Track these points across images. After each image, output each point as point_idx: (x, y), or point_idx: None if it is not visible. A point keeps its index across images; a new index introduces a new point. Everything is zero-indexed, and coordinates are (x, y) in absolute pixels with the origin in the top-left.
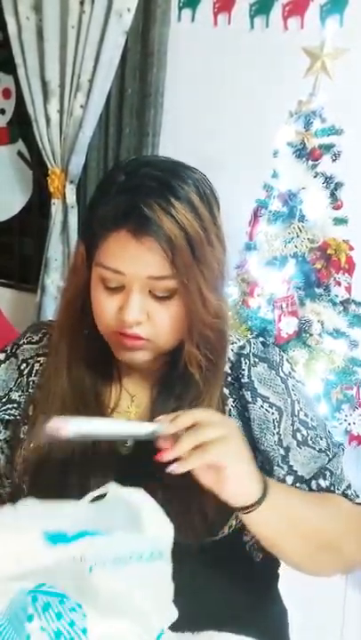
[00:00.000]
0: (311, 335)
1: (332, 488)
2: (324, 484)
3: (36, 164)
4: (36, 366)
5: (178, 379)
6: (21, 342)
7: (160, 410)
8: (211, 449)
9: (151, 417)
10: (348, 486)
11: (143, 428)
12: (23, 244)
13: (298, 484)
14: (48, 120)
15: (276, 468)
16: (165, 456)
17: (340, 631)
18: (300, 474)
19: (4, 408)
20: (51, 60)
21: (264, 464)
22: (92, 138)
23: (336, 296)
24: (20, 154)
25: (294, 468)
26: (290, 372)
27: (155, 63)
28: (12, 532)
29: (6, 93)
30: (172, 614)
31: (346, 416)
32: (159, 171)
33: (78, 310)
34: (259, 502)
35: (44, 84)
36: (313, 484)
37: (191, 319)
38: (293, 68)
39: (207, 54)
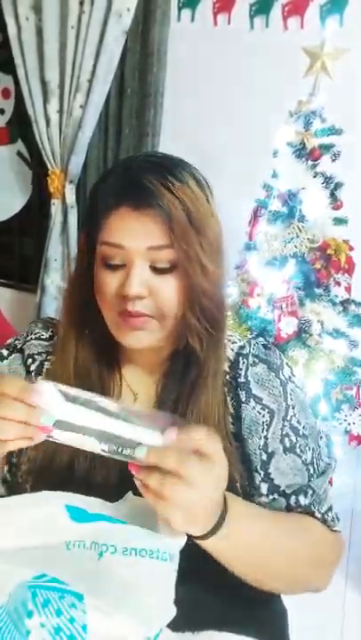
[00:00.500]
0: (311, 335)
1: (311, 508)
2: (303, 501)
3: (35, 164)
4: (46, 365)
5: (181, 365)
6: (29, 338)
7: (164, 406)
8: (181, 492)
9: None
10: (330, 509)
11: (146, 436)
12: (23, 244)
13: (274, 495)
14: (48, 120)
15: (254, 473)
16: (140, 475)
17: (339, 631)
18: (276, 482)
19: None
20: (50, 60)
21: (244, 466)
22: (92, 138)
23: (336, 296)
24: (19, 154)
25: (272, 476)
26: (290, 377)
27: (154, 63)
28: (35, 502)
29: (6, 93)
30: (171, 614)
31: (346, 416)
32: (157, 158)
33: (82, 306)
34: (211, 533)
35: (44, 85)
36: (292, 499)
37: (192, 288)
38: (293, 67)
39: (207, 54)
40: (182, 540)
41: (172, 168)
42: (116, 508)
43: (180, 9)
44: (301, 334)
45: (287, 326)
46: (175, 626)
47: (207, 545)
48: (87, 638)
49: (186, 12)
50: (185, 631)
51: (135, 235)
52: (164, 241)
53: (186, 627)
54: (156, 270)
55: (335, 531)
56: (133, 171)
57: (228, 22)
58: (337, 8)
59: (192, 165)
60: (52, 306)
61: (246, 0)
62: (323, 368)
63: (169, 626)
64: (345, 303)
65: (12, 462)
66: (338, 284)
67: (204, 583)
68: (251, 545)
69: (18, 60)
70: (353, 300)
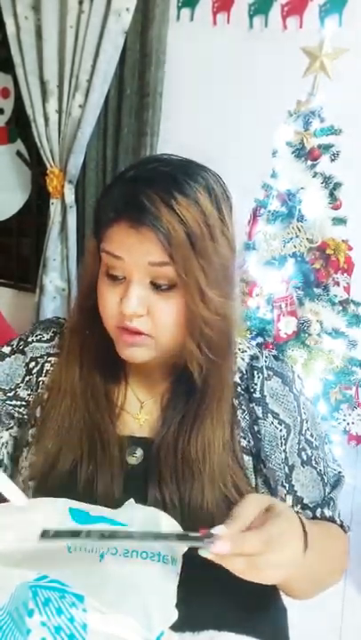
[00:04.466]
0: (310, 335)
1: (334, 517)
2: (328, 513)
3: (34, 163)
4: (47, 366)
5: (187, 385)
6: (30, 340)
7: (170, 420)
8: (271, 559)
9: (162, 427)
10: (339, 514)
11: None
12: (22, 244)
13: (297, 507)
14: (47, 120)
15: (279, 487)
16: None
17: (339, 631)
18: (299, 494)
19: (12, 404)
20: (49, 59)
21: (269, 481)
22: (91, 138)
23: (335, 296)
24: (18, 153)
25: (295, 488)
26: (301, 390)
27: (153, 63)
28: (36, 506)
29: (5, 93)
30: (173, 616)
31: (345, 416)
32: (167, 166)
33: (90, 309)
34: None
35: (43, 84)
36: (318, 512)
37: (190, 314)
38: (292, 67)
39: (206, 54)
40: (184, 547)
41: (181, 181)
42: (118, 513)
43: (179, 8)
44: (301, 334)
45: (286, 326)
46: (176, 626)
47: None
48: (87, 637)
49: (185, 12)
50: (185, 631)
51: (134, 250)
52: (163, 258)
53: (186, 627)
54: (157, 287)
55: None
56: (136, 184)
57: (228, 22)
58: (336, 8)
59: (209, 172)
60: (51, 306)
61: (245, 0)
62: (322, 368)
63: (169, 626)
64: (344, 303)
65: (14, 461)
66: (337, 283)
67: (205, 583)
68: (315, 562)
69: (17, 60)
70: (352, 300)
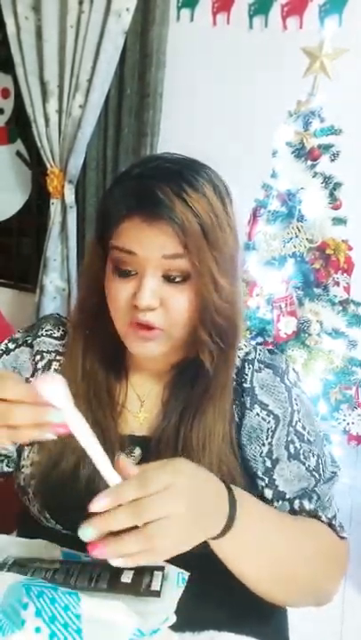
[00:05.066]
0: (310, 335)
1: (318, 512)
2: (308, 506)
3: (34, 163)
4: (54, 365)
5: (188, 378)
6: (39, 333)
7: (171, 412)
8: (157, 542)
9: (162, 421)
10: (335, 516)
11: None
12: (22, 244)
13: (278, 502)
14: (47, 120)
15: (256, 479)
16: (105, 553)
17: (339, 631)
18: (281, 489)
19: None
20: (49, 59)
21: (245, 472)
22: (91, 138)
23: (335, 296)
24: (18, 154)
25: (276, 483)
26: (295, 382)
27: (153, 63)
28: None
29: (5, 93)
30: (171, 617)
31: (345, 416)
32: (172, 163)
33: (91, 309)
34: (221, 534)
35: (43, 84)
36: (296, 503)
37: (204, 304)
38: (292, 67)
39: (206, 54)
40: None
41: (188, 176)
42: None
43: (179, 9)
44: (300, 334)
45: (286, 326)
46: (176, 626)
47: (216, 546)
48: (82, 625)
49: (185, 12)
50: (185, 631)
51: (148, 244)
52: (177, 250)
53: (186, 627)
54: (169, 280)
55: (342, 537)
56: (147, 179)
57: (228, 22)
58: (336, 8)
59: (210, 169)
60: (51, 306)
61: (245, 0)
62: (322, 368)
63: (169, 626)
64: (344, 303)
65: (15, 464)
66: (337, 283)
67: (205, 583)
68: (263, 543)
69: (17, 60)
70: (352, 300)
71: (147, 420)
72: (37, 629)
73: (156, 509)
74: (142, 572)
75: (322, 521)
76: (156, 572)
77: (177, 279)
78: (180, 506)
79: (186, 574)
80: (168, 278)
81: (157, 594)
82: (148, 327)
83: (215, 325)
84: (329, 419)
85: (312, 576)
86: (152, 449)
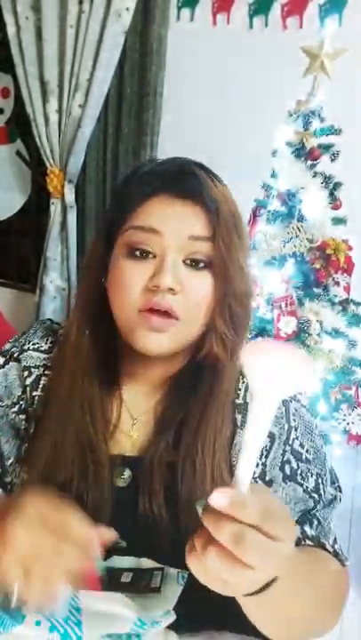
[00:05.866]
0: (310, 335)
1: (321, 540)
2: (310, 532)
3: (34, 163)
4: (43, 380)
5: (184, 392)
6: (26, 347)
7: (166, 429)
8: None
9: (155, 438)
10: (335, 540)
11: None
12: (22, 244)
13: None
14: (47, 119)
15: None
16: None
17: (339, 631)
18: None
19: (21, 417)
20: (49, 59)
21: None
22: (91, 137)
23: (335, 296)
24: (18, 153)
25: None
26: (295, 396)
27: (153, 63)
28: None
29: (5, 93)
30: (170, 618)
31: (345, 416)
32: (186, 161)
33: (91, 309)
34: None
35: (43, 84)
36: (297, 530)
37: (223, 292)
38: (292, 67)
39: (206, 54)
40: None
41: (208, 169)
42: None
43: (179, 8)
44: (300, 334)
45: (286, 326)
46: (175, 626)
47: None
48: (82, 618)
49: (185, 12)
50: (185, 631)
51: (176, 222)
52: (205, 232)
53: (186, 627)
54: (191, 266)
55: (345, 566)
56: (176, 161)
57: (228, 22)
58: (336, 8)
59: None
60: (51, 306)
61: (245, 0)
62: (322, 368)
63: (169, 625)
64: (344, 303)
65: (5, 481)
66: (337, 283)
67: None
68: (286, 594)
69: (17, 60)
70: (352, 300)
71: (138, 439)
72: (38, 623)
73: (257, 559)
74: (142, 573)
75: (327, 549)
76: (155, 572)
77: (200, 264)
78: (271, 570)
79: (186, 573)
80: (190, 263)
81: (157, 589)
82: (164, 314)
83: (233, 314)
84: (329, 419)
85: (318, 615)
86: (143, 470)
